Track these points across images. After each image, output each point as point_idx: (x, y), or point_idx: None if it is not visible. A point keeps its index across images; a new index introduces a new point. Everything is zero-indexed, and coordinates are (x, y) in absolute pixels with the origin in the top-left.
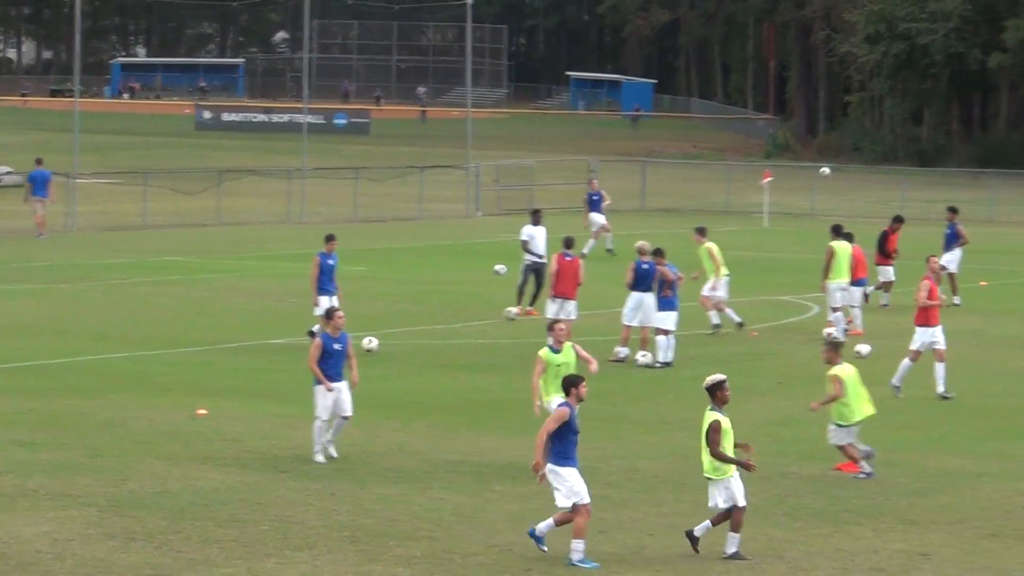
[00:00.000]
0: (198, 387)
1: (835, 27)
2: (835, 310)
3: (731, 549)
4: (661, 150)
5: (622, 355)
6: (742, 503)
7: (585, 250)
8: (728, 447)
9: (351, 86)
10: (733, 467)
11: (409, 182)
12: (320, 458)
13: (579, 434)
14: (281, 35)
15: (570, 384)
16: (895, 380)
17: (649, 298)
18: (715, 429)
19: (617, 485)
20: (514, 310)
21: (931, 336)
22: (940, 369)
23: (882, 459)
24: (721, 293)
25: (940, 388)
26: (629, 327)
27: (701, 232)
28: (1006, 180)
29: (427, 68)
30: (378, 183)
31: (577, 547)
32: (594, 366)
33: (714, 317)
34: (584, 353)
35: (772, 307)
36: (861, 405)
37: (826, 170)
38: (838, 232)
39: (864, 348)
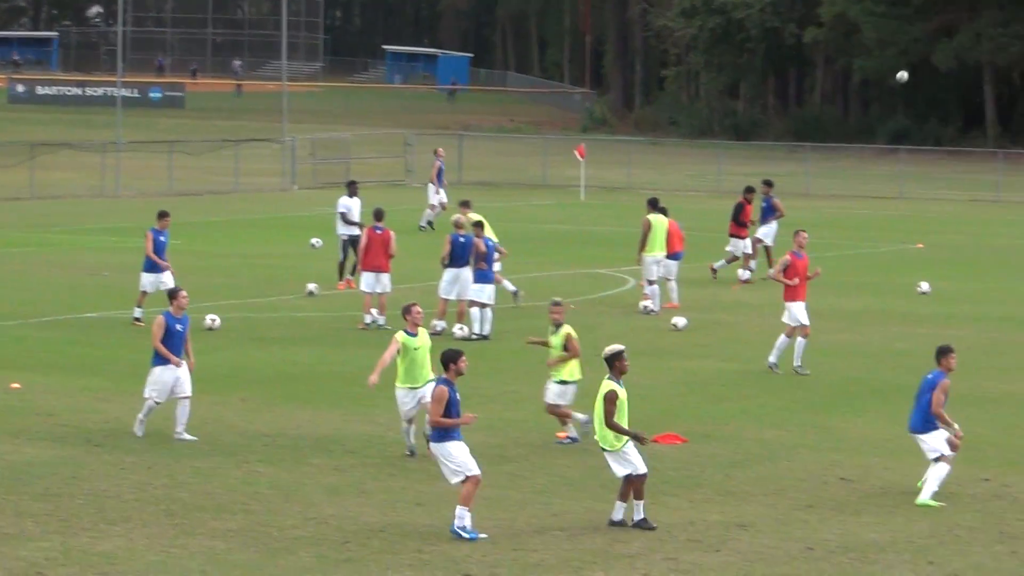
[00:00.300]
0: (11, 361)
1: (651, 1)
2: (651, 283)
3: (639, 516)
4: (478, 124)
5: (439, 328)
6: (643, 470)
7: (422, 223)
8: (623, 418)
9: (166, 60)
10: (626, 437)
11: (224, 156)
12: (140, 430)
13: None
14: (95, 8)
15: (449, 359)
16: (771, 358)
17: (466, 272)
18: (611, 399)
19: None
20: (312, 286)
21: (798, 311)
22: (801, 344)
23: (699, 431)
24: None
25: (797, 362)
26: (446, 300)
27: (465, 205)
28: (821, 153)
29: (243, 41)
30: (193, 157)
31: (461, 514)
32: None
33: (509, 285)
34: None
35: (589, 280)
36: (574, 366)
37: (904, 75)
38: (654, 206)
39: (680, 321)
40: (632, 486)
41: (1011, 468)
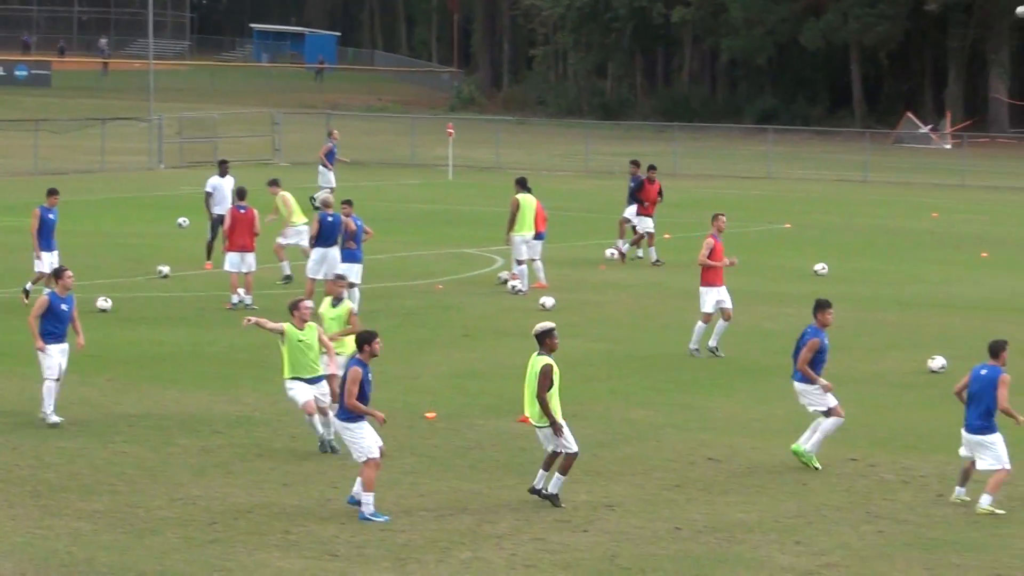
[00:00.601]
0: None
1: None
2: (519, 263)
3: (554, 490)
4: (346, 103)
5: None
6: (574, 449)
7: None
8: (555, 394)
9: (32, 38)
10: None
11: (91, 135)
12: (55, 419)
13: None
14: None
15: (364, 340)
16: (692, 344)
17: (334, 251)
18: (546, 373)
19: (302, 437)
20: (164, 268)
21: (718, 295)
22: (722, 327)
23: (567, 411)
24: (294, 241)
25: (713, 342)
26: (314, 280)
27: (274, 183)
28: (689, 133)
29: (109, 20)
30: (59, 135)
31: (367, 500)
32: (333, 367)
33: (286, 268)
34: (327, 341)
35: (456, 260)
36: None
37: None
38: (523, 185)
39: (548, 301)
40: (563, 461)
41: (878, 448)
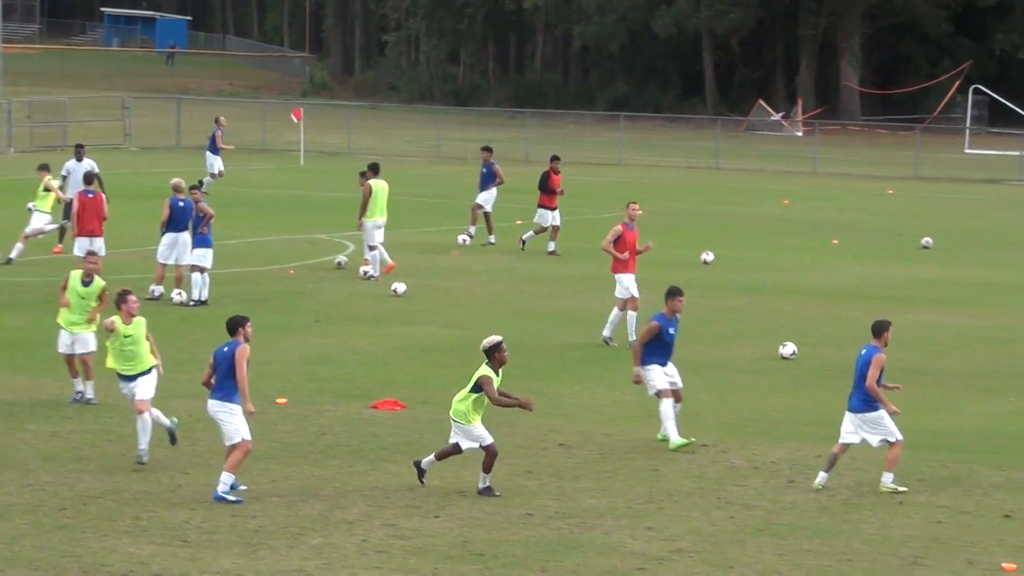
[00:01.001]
0: None
1: None
2: (372, 248)
3: (484, 484)
4: (197, 87)
5: (157, 293)
6: (489, 440)
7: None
8: (481, 408)
9: None
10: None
11: None
12: None
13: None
14: None
15: (237, 324)
16: (606, 332)
17: (185, 236)
18: (487, 381)
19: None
20: (12, 254)
21: (630, 282)
22: (632, 317)
23: (419, 397)
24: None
25: (606, 332)
26: (164, 265)
27: (44, 168)
28: (541, 120)
29: None
30: None
31: (226, 479)
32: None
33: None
34: (152, 342)
35: (308, 245)
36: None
37: None
38: (375, 171)
39: (400, 287)
40: (485, 458)
41: (728, 434)
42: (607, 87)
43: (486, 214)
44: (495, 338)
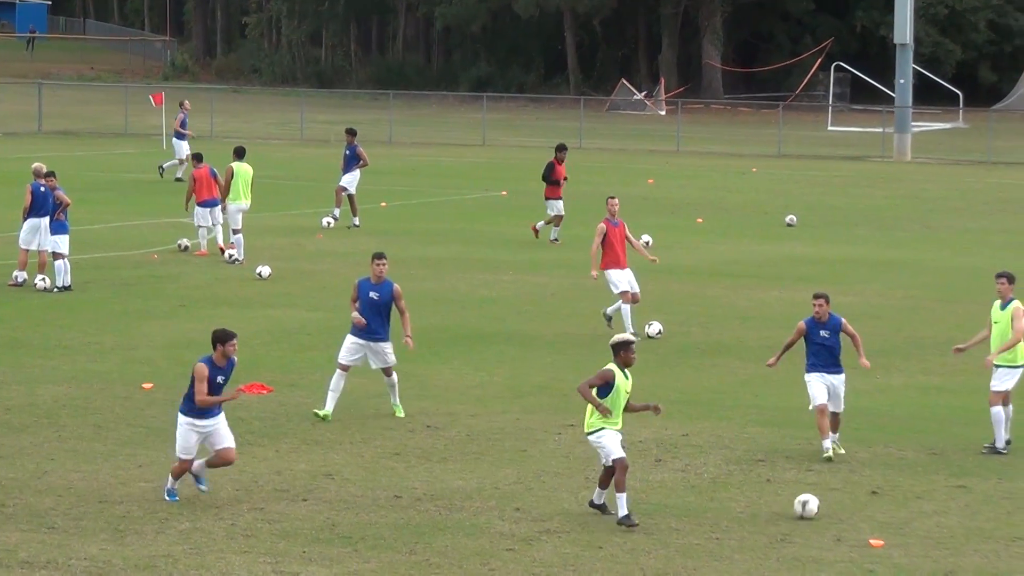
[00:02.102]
0: None
1: None
2: (236, 232)
3: (623, 511)
4: (57, 72)
5: (20, 280)
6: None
7: (179, 173)
8: (618, 408)
9: None
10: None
11: None
12: None
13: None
14: None
15: (218, 340)
16: (609, 310)
17: (47, 221)
18: (602, 375)
19: (17, 410)
20: None
21: (618, 276)
22: (626, 311)
23: (285, 380)
24: None
25: (609, 310)
26: (27, 251)
27: None
28: (405, 101)
29: None
30: None
31: (170, 483)
32: None
33: None
34: None
35: (172, 229)
36: None
37: None
38: (240, 154)
39: (265, 270)
40: (615, 476)
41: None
42: (470, 68)
43: (350, 196)
44: (625, 336)
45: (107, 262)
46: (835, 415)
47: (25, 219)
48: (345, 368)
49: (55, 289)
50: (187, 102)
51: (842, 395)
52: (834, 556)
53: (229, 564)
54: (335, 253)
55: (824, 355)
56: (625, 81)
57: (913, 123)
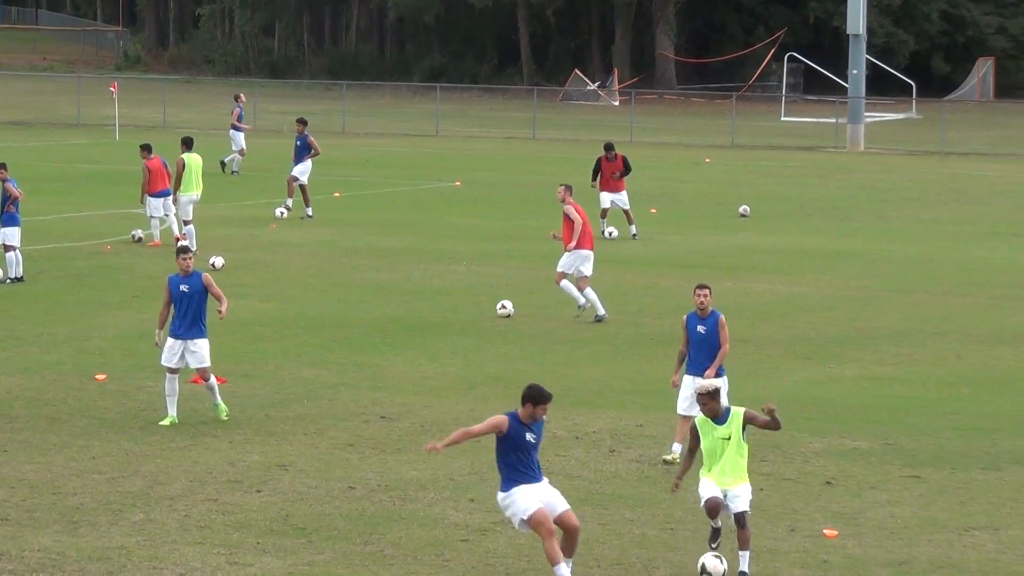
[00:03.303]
0: None
1: None
2: (187, 223)
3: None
4: (9, 62)
5: None
6: (742, 508)
7: (236, 167)
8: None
9: None
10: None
11: None
12: None
13: None
14: None
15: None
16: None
17: None
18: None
19: None
20: None
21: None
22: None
23: (239, 371)
24: None
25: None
26: None
27: None
28: (358, 91)
29: None
30: None
31: None
32: None
33: None
34: None
35: (124, 220)
36: None
37: None
38: (188, 145)
39: (218, 260)
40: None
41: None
42: (423, 58)
43: (302, 186)
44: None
45: (60, 253)
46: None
47: None
48: (173, 371)
49: (7, 280)
50: (243, 95)
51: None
52: (788, 546)
53: (183, 555)
54: (288, 243)
55: (701, 352)
56: (578, 72)
57: (866, 113)
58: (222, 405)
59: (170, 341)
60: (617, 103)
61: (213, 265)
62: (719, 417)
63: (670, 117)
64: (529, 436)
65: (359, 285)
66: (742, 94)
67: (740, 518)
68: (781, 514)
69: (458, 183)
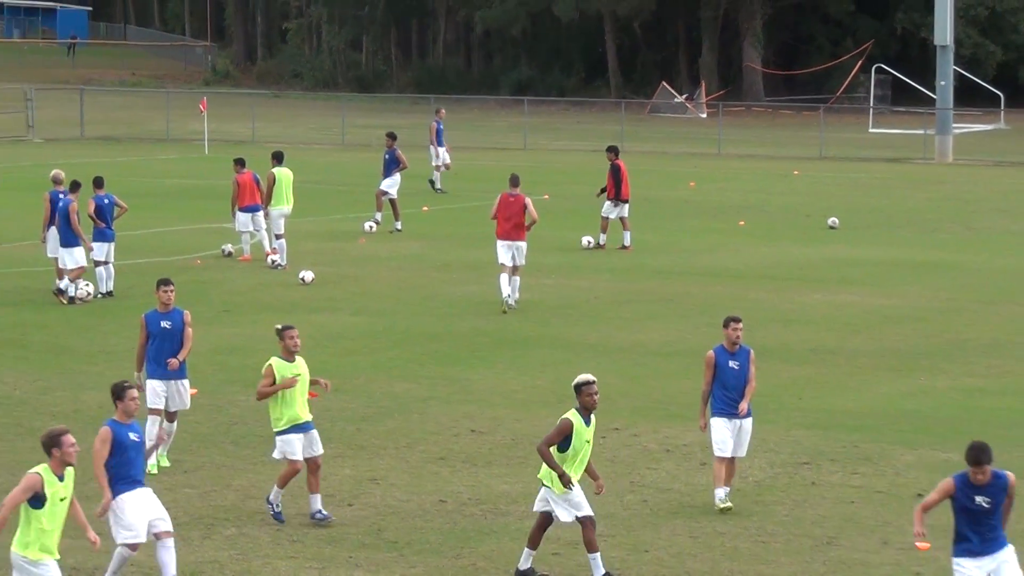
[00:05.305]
0: None
1: None
2: (278, 237)
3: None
4: (99, 78)
5: (65, 288)
6: (586, 512)
7: (438, 185)
8: (574, 461)
9: None
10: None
11: None
12: None
13: None
14: None
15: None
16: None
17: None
18: (560, 428)
19: (63, 417)
20: None
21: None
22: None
23: (331, 386)
24: None
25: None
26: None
27: None
28: (445, 105)
29: None
30: None
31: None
32: None
33: None
34: None
35: (215, 235)
36: None
37: None
38: (279, 159)
39: (308, 275)
40: (583, 533)
41: (640, 417)
42: (510, 71)
43: (391, 200)
44: (585, 376)
45: (150, 268)
46: (732, 461)
47: (47, 229)
48: (158, 413)
49: (97, 295)
50: (443, 110)
51: (746, 442)
52: (880, 559)
53: (275, 570)
54: (377, 257)
55: (735, 389)
56: (666, 84)
57: (954, 125)
58: (166, 457)
59: (151, 385)
60: (705, 115)
61: (303, 279)
62: None
63: (758, 129)
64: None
65: (448, 298)
66: (830, 106)
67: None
68: (873, 527)
69: (547, 196)
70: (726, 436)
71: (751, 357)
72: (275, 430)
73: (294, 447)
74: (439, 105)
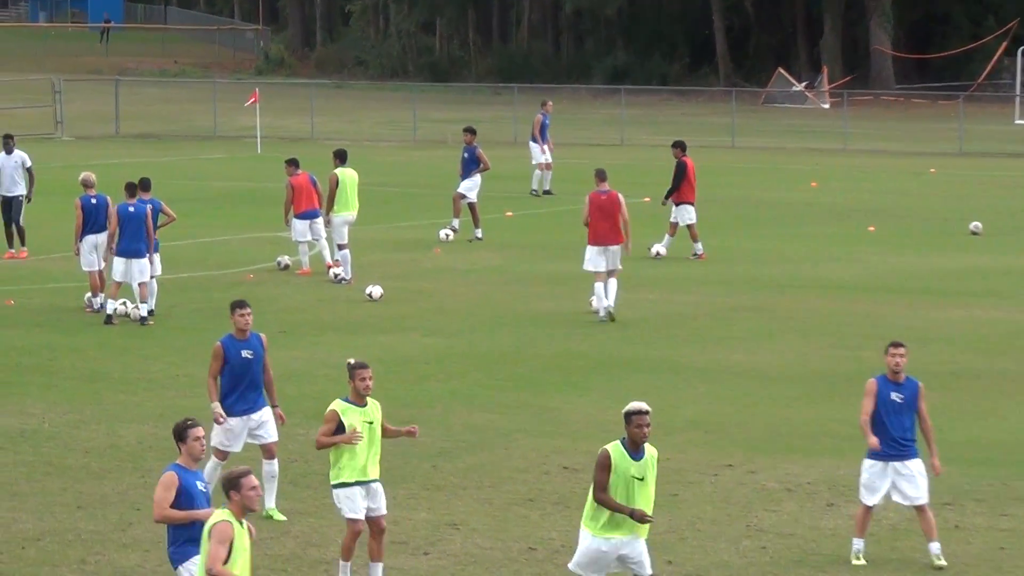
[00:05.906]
0: None
1: None
2: (341, 247)
3: None
4: (136, 67)
5: (97, 305)
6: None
7: (547, 185)
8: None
9: None
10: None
11: None
12: None
13: None
14: None
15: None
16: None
17: (103, 237)
18: (600, 463)
19: (97, 453)
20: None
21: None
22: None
23: (402, 416)
24: None
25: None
26: (91, 272)
27: None
28: (529, 96)
29: None
30: None
31: None
32: None
33: None
34: None
35: (268, 245)
36: None
37: None
38: (342, 159)
39: (376, 290)
40: None
41: (756, 452)
42: (605, 57)
43: (471, 205)
44: (637, 405)
45: (195, 283)
46: (921, 510)
47: (80, 239)
48: (224, 457)
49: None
50: (550, 103)
51: (922, 485)
52: None
53: None
54: (454, 270)
55: (897, 426)
56: (782, 70)
57: None
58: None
59: (227, 424)
60: (827, 105)
61: (370, 295)
62: None
63: (888, 121)
64: None
65: (534, 316)
66: (970, 94)
67: None
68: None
69: (647, 199)
70: (875, 481)
71: (921, 392)
72: (332, 482)
73: (354, 503)
74: (545, 97)
